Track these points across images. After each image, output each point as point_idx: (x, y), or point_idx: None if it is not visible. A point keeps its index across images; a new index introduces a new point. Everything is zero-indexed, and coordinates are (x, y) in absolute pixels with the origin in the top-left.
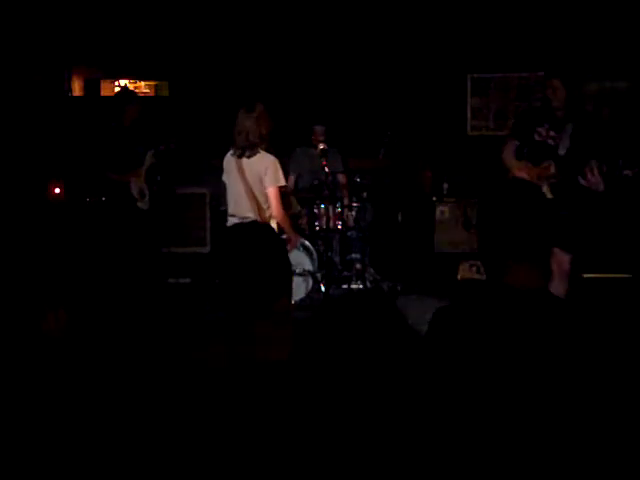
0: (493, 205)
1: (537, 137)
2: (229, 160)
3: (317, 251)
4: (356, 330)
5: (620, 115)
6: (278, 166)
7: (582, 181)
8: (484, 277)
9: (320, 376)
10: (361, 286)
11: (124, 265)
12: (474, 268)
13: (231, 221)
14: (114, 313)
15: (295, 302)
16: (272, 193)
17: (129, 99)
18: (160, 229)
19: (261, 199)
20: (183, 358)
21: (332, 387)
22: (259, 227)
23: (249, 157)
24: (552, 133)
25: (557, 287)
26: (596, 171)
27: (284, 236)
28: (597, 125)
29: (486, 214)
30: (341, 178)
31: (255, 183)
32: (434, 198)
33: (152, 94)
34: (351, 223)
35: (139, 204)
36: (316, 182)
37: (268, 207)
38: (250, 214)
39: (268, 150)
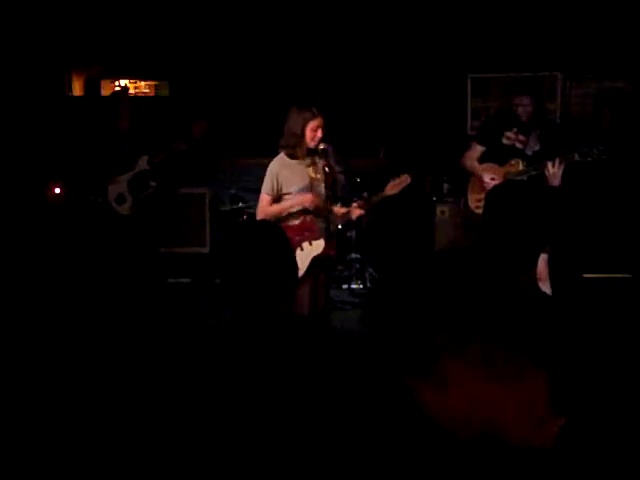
0: (495, 212)
1: (505, 141)
2: None
3: None
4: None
5: (620, 115)
6: (267, 172)
7: (547, 172)
8: None
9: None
10: (361, 286)
11: (110, 268)
12: None
13: None
14: (110, 314)
15: None
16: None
17: (120, 101)
18: (146, 234)
19: None
20: (183, 358)
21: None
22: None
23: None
24: (521, 137)
25: (546, 286)
26: (558, 165)
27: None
28: (560, 128)
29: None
30: (341, 178)
31: None
32: (434, 198)
33: (152, 94)
34: (351, 223)
35: (117, 210)
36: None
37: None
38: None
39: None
